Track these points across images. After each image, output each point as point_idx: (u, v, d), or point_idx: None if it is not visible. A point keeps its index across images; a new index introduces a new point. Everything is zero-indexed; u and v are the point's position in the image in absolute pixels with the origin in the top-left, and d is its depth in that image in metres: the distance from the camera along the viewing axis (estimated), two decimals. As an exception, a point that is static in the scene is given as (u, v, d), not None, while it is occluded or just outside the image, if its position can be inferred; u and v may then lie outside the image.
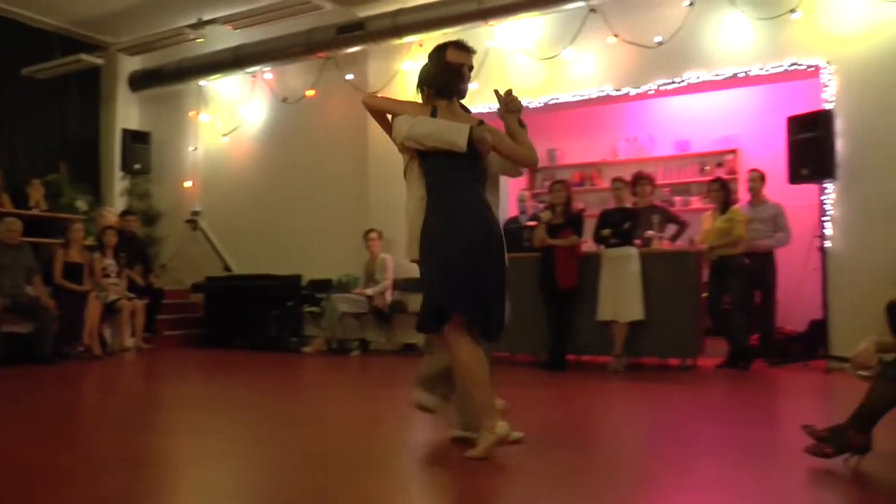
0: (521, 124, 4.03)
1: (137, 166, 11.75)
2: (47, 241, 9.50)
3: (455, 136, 3.69)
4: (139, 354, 9.06)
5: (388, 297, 9.14)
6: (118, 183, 11.91)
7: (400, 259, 9.19)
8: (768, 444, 4.13)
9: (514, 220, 9.02)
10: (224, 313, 10.23)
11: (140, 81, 11.80)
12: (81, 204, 10.72)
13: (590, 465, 3.67)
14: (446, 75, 3.92)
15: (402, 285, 9.25)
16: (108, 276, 9.26)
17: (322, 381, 7.28)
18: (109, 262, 9.34)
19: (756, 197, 7.80)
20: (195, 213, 11.47)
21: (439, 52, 4.01)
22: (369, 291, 9.03)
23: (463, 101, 4.11)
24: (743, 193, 8.72)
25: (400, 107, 3.97)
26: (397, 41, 9.31)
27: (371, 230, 9.25)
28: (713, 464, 3.70)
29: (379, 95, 5.19)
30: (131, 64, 11.90)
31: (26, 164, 10.99)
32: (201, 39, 10.46)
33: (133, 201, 11.79)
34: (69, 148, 11.74)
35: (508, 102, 4.00)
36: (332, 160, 10.32)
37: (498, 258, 3.74)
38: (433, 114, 3.84)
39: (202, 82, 11.31)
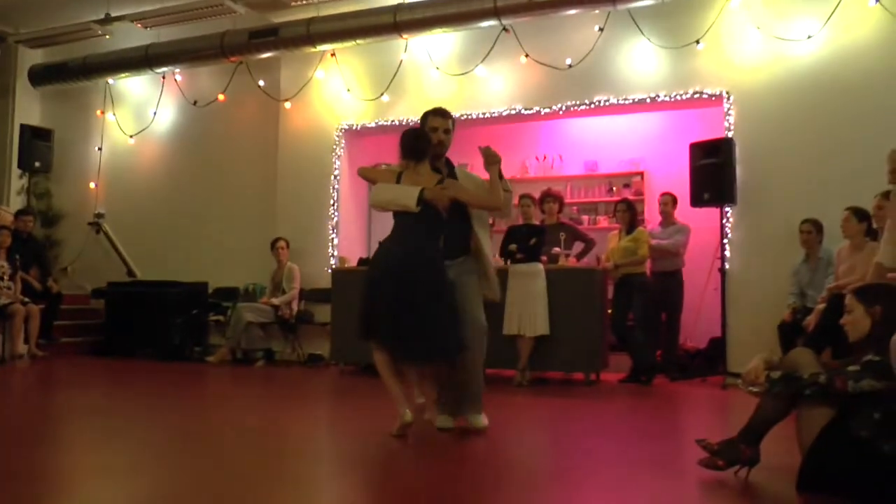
0: (500, 175, 4.70)
1: (37, 164, 11.28)
2: (-65, 239, 9.07)
3: (406, 200, 4.44)
4: (33, 362, 8.73)
5: (295, 306, 9.06)
6: (15, 181, 11.46)
7: (307, 268, 9.16)
8: (664, 455, 4.28)
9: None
10: (126, 320, 9.89)
11: (42, 76, 11.33)
12: (-25, 203, 10.31)
13: (485, 474, 3.75)
14: (415, 141, 4.66)
15: (308, 295, 9.21)
16: (0, 279, 8.90)
17: (225, 393, 7.19)
18: (2, 263, 8.98)
19: (667, 219, 8.05)
20: (98, 216, 11.11)
21: (422, 120, 4.93)
22: (276, 301, 8.92)
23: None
24: (649, 214, 9.00)
25: (375, 175, 4.95)
26: (311, 49, 9.27)
27: (279, 239, 9.16)
28: (608, 474, 3.82)
29: (368, 167, 5.75)
30: (32, 57, 11.46)
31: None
32: (108, 36, 10.21)
33: (32, 200, 11.36)
34: (-37, 143, 11.26)
35: (486, 157, 4.66)
36: (241, 166, 10.20)
37: (415, 293, 4.36)
38: (399, 178, 4.59)
39: (110, 80, 11.00)
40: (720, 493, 3.42)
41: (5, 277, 8.96)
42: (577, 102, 8.37)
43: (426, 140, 4.66)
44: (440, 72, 8.97)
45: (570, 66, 8.31)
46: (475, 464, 4.01)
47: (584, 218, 9.86)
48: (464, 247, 4.70)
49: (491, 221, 6.10)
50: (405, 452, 4.25)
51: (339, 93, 9.49)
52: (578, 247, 8.04)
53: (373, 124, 9.32)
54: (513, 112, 8.71)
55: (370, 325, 4.47)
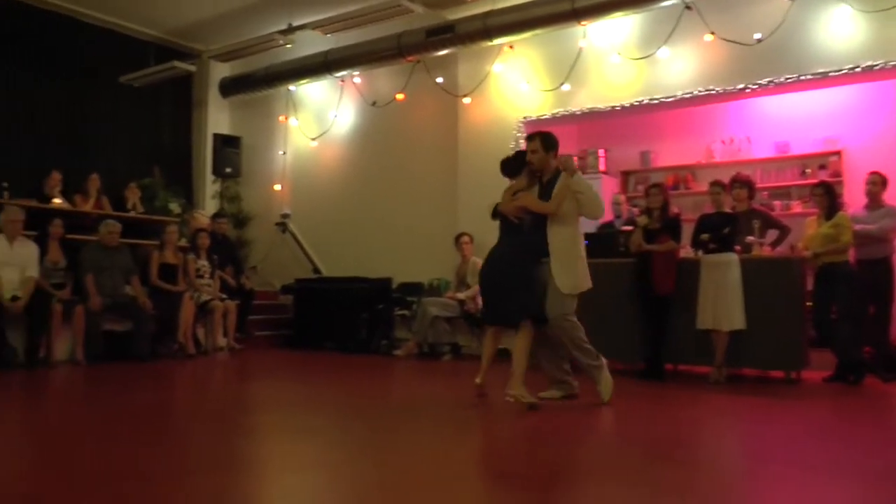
0: (576, 178, 5.57)
1: (228, 170, 12.06)
2: (143, 242, 9.79)
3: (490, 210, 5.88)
4: (231, 354, 9.28)
5: (480, 301, 9.07)
6: (210, 186, 12.24)
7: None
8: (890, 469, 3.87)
9: (608, 224, 8.87)
10: (313, 315, 10.39)
11: (231, 87, 12.09)
12: (175, 207, 11.02)
13: (694, 482, 3.54)
14: (511, 161, 5.92)
15: (492, 289, 9.20)
16: (201, 277, 9.50)
17: (415, 384, 7.30)
18: (203, 263, 9.57)
19: (874, 201, 7.35)
20: (284, 216, 11.69)
21: None
22: (461, 295, 9.03)
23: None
24: (849, 196, 8.41)
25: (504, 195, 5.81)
26: (487, 43, 9.28)
27: (463, 233, 9.25)
28: (833, 488, 3.46)
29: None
30: (222, 70, 12.24)
31: (123, 169, 11.36)
32: (289, 45, 10.64)
33: (224, 204, 12.08)
34: (163, 152, 12.11)
35: (563, 168, 5.61)
36: (421, 163, 10.37)
37: (493, 275, 5.55)
38: (514, 193, 5.71)
39: (291, 87, 11.51)
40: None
41: (205, 276, 9.54)
42: (768, 80, 7.92)
43: (519, 160, 5.77)
44: (621, 56, 8.74)
45: (758, 40, 7.89)
46: (689, 471, 3.84)
47: (776, 203, 9.35)
48: (546, 246, 5.54)
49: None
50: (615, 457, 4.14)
51: (518, 85, 9.46)
52: (773, 234, 7.61)
53: (553, 115, 9.22)
54: (698, 94, 8.36)
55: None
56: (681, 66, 8.47)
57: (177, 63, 11.17)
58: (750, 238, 7.29)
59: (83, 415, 5.42)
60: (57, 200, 9.43)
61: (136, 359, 8.32)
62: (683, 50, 8.43)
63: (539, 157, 5.62)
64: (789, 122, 9.37)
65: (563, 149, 9.89)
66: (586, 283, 5.63)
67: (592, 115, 9.13)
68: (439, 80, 9.99)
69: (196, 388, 7.19)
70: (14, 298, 7.69)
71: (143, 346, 8.49)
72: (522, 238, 5.57)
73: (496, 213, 5.70)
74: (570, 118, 9.24)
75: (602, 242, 8.02)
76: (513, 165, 5.78)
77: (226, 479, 3.48)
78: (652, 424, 5.04)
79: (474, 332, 9.21)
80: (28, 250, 8.02)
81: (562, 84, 9.09)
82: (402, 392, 7.00)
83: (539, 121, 9.32)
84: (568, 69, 9.03)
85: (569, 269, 5.51)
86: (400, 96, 10.34)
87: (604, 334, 7.39)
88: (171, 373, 7.83)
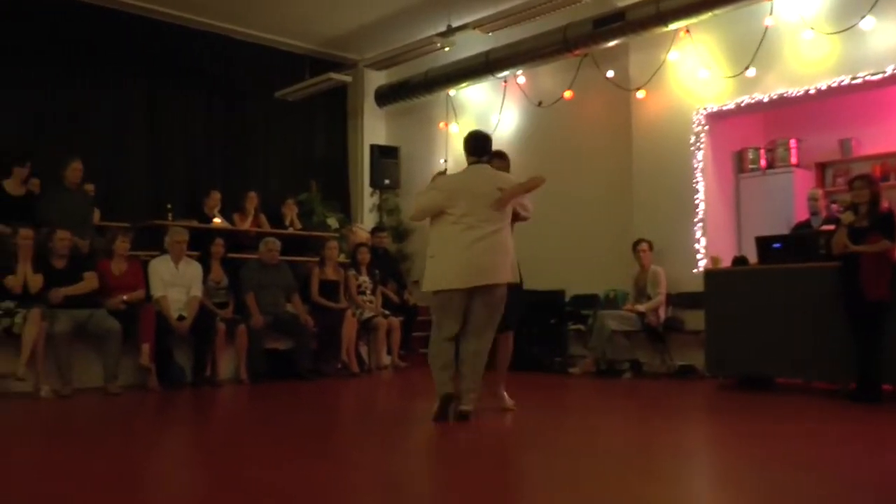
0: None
1: (386, 181, 12.15)
2: (302, 259, 9.95)
3: None
4: (396, 372, 9.25)
5: (662, 313, 8.68)
6: (367, 199, 12.39)
7: (671, 271, 8.78)
8: None
9: (804, 224, 8.25)
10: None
11: (387, 95, 12.15)
12: (333, 221, 11.20)
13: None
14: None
15: (676, 300, 8.78)
16: (362, 293, 9.55)
17: (607, 406, 7.01)
18: (364, 279, 9.63)
19: None
20: (447, 229, 11.61)
21: None
22: (641, 307, 8.62)
23: None
24: None
25: None
26: (661, 29, 8.84)
27: (641, 240, 8.83)
28: None
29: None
30: (377, 78, 12.35)
31: (279, 185, 11.69)
32: (448, 48, 10.61)
33: (383, 217, 12.18)
34: (318, 166, 12.37)
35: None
36: (592, 165, 10.03)
37: None
38: None
39: (451, 91, 11.46)
40: None
41: (367, 292, 9.59)
42: None
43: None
44: (814, 32, 8.09)
45: None
46: None
47: None
48: None
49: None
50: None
51: (696, 73, 8.98)
52: None
53: (737, 104, 8.71)
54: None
55: None
56: (888, 38, 7.73)
57: (332, 74, 11.38)
58: None
59: (255, 433, 5.47)
60: (217, 220, 9.74)
61: (298, 377, 8.41)
62: (892, 18, 7.70)
63: None
64: None
65: (748, 141, 9.46)
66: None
67: (782, 102, 8.53)
68: (609, 73, 9.65)
69: (360, 407, 7.19)
70: (180, 318, 7.94)
71: (305, 364, 8.58)
72: None
73: None
74: (757, 106, 8.68)
75: (798, 245, 7.49)
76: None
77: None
78: (864, 459, 4.44)
79: (656, 346, 8.78)
80: (192, 270, 8.27)
81: (746, 69, 8.55)
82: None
83: (721, 111, 8.85)
84: (752, 51, 8.48)
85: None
86: (567, 94, 10.05)
87: (807, 350, 6.87)
88: (335, 391, 7.90)
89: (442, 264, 5.56)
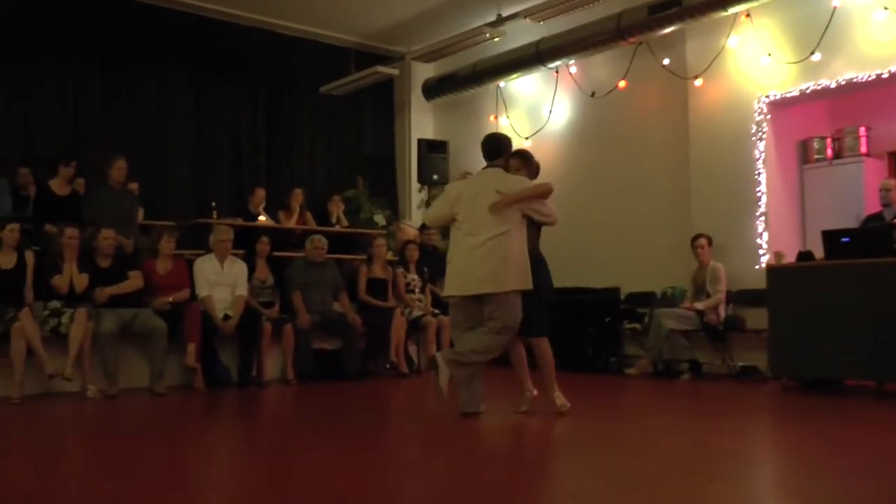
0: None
1: (434, 177, 12.02)
2: (349, 257, 9.92)
3: None
4: (446, 373, 9.15)
5: (722, 311, 8.46)
6: (415, 195, 12.32)
7: (732, 267, 8.58)
8: None
9: (875, 216, 7.99)
10: (533, 330, 10.08)
11: (435, 88, 12.04)
12: (380, 218, 11.17)
13: None
14: None
15: (737, 297, 8.56)
16: (411, 291, 9.48)
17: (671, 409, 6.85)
18: (413, 277, 9.56)
19: None
20: (497, 224, 11.51)
21: None
22: (700, 305, 8.41)
23: None
24: None
25: None
26: (721, 14, 8.58)
27: (700, 235, 8.63)
28: None
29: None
30: (425, 71, 12.26)
31: (325, 181, 11.70)
32: (497, 38, 10.49)
33: (432, 214, 12.11)
34: (365, 162, 12.36)
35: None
36: (648, 157, 9.83)
37: None
38: None
39: (501, 83, 11.34)
40: None
41: (416, 290, 9.51)
42: None
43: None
44: (888, 11, 7.77)
45: None
46: None
47: None
48: None
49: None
50: None
51: (758, 59, 8.73)
52: None
53: (801, 91, 8.47)
54: None
55: None
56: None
57: (379, 68, 11.36)
58: None
59: (304, 434, 5.42)
60: (262, 217, 9.76)
61: (346, 378, 8.38)
62: (972, -3, 7.43)
63: None
64: None
65: (813, 130, 9.19)
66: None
67: (850, 87, 8.26)
68: (665, 61, 9.44)
69: (410, 411, 7.09)
70: (226, 318, 7.96)
71: (353, 364, 8.55)
72: None
73: None
74: (823, 93, 8.42)
75: (869, 239, 7.23)
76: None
77: None
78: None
79: (716, 346, 8.58)
80: (238, 269, 8.27)
81: (811, 53, 8.29)
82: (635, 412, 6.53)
83: (784, 99, 8.61)
84: (818, 35, 8.21)
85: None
86: (622, 84, 9.87)
87: (879, 350, 6.63)
88: (384, 392, 7.84)
89: (449, 270, 5.74)
